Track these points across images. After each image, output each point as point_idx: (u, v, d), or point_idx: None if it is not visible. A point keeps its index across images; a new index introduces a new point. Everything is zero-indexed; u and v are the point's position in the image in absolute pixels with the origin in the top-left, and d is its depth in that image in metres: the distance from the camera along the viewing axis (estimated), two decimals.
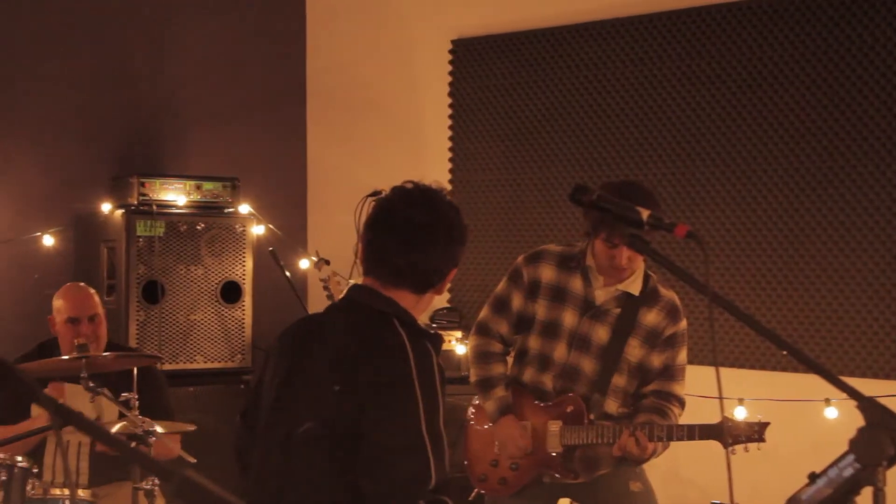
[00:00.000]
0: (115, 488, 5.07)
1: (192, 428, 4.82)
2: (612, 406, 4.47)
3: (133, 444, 4.33)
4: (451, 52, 7.17)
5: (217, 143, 7.41)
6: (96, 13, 6.96)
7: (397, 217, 3.20)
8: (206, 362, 6.57)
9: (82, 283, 5.47)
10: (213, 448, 6.17)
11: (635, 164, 6.38)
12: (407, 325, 3.14)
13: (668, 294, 4.52)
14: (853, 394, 2.46)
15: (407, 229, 3.17)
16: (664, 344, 4.48)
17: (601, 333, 4.47)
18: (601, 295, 4.48)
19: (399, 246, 3.17)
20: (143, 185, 6.45)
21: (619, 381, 4.47)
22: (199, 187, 6.64)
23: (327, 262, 6.64)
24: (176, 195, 6.55)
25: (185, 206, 6.58)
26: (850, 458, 2.45)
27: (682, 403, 4.51)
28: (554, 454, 4.49)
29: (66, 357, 4.76)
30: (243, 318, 6.68)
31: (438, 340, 3.20)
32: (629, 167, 6.40)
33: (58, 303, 5.31)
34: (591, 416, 4.44)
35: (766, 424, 4.38)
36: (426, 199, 3.23)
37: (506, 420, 4.54)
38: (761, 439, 4.37)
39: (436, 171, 7.11)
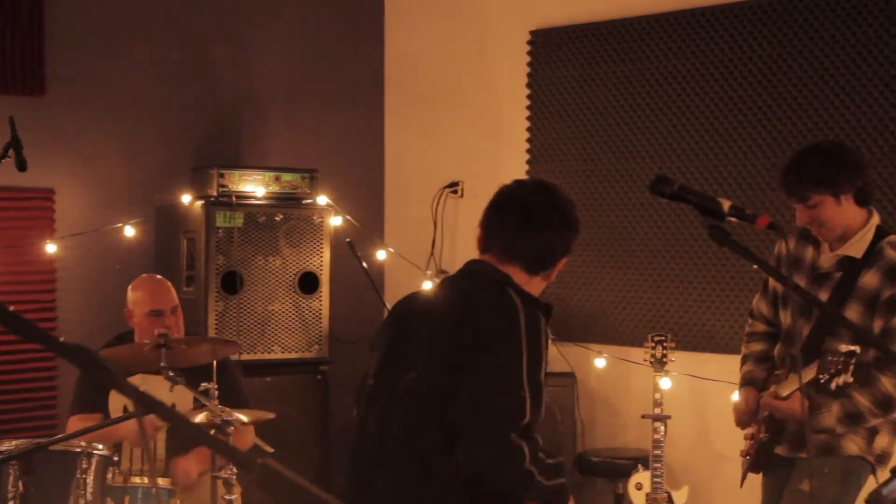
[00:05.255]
0: None
1: (270, 416, 4.85)
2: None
3: (212, 433, 4.37)
4: (529, 42, 7.15)
5: (296, 135, 7.45)
6: (177, 5, 7.03)
7: (518, 200, 3.50)
8: (283, 352, 6.62)
9: (158, 276, 5.50)
10: (290, 437, 6.25)
11: (714, 156, 6.33)
12: (521, 293, 3.37)
13: (893, 254, 4.24)
14: None
15: (525, 211, 3.46)
16: (883, 307, 4.20)
17: (822, 298, 4.31)
18: (825, 260, 4.38)
19: (517, 225, 3.46)
20: (222, 176, 6.50)
21: (833, 344, 4.19)
22: (277, 178, 6.69)
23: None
24: (255, 186, 6.60)
25: (264, 198, 6.62)
26: None
27: None
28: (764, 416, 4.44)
29: (146, 342, 4.79)
30: (321, 309, 6.72)
31: (550, 309, 3.47)
32: (709, 158, 6.35)
33: (136, 295, 5.31)
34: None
35: None
36: (545, 188, 3.56)
37: (740, 392, 4.58)
38: None
39: (513, 163, 7.11)
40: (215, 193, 6.46)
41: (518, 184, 3.60)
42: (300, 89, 7.53)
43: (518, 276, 3.44)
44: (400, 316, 3.58)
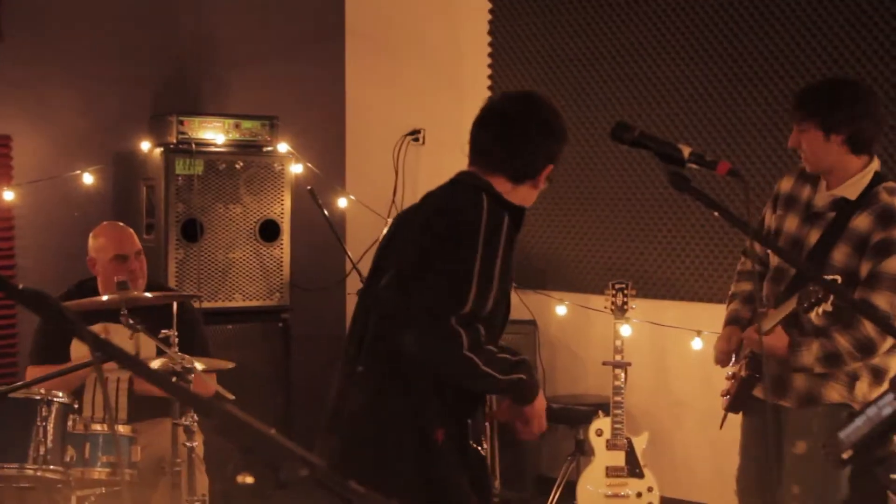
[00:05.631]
0: (154, 424, 5.10)
1: (231, 365, 4.85)
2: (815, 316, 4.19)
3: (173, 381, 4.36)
4: None
5: (256, 82, 7.39)
6: None
7: (498, 111, 3.58)
8: (244, 300, 6.60)
9: (119, 223, 5.47)
10: (251, 385, 6.25)
11: (675, 103, 6.34)
12: (493, 197, 3.43)
13: (887, 199, 4.15)
14: (894, 332, 2.44)
15: (504, 122, 3.53)
16: (872, 251, 4.10)
17: (813, 237, 4.25)
18: (820, 199, 4.27)
19: (495, 137, 3.52)
20: (181, 123, 6.45)
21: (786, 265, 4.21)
22: (237, 126, 6.64)
23: None
24: (215, 134, 6.55)
25: (224, 145, 6.58)
26: (890, 396, 2.44)
27: (883, 317, 4.02)
28: (748, 352, 4.35)
29: (105, 298, 4.77)
30: (281, 257, 6.70)
31: (520, 213, 3.51)
32: (669, 105, 6.35)
33: (98, 242, 5.27)
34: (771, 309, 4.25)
35: None
36: (525, 98, 3.63)
37: (724, 329, 4.50)
38: None
39: (475, 111, 7.08)
40: (174, 141, 6.41)
41: (503, 95, 3.70)
42: (260, 36, 7.47)
43: (501, 185, 3.48)
44: (392, 226, 3.67)
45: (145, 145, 6.56)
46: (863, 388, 4.19)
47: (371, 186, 7.52)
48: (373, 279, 3.56)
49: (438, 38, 7.46)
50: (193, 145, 6.42)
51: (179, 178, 6.38)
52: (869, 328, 4.06)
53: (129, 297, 4.64)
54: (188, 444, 4.61)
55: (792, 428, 4.27)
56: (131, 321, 4.55)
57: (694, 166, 2.95)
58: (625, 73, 6.54)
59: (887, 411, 2.46)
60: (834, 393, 4.20)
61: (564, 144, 3.60)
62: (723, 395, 4.50)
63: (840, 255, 4.15)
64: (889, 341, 4.11)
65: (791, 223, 4.34)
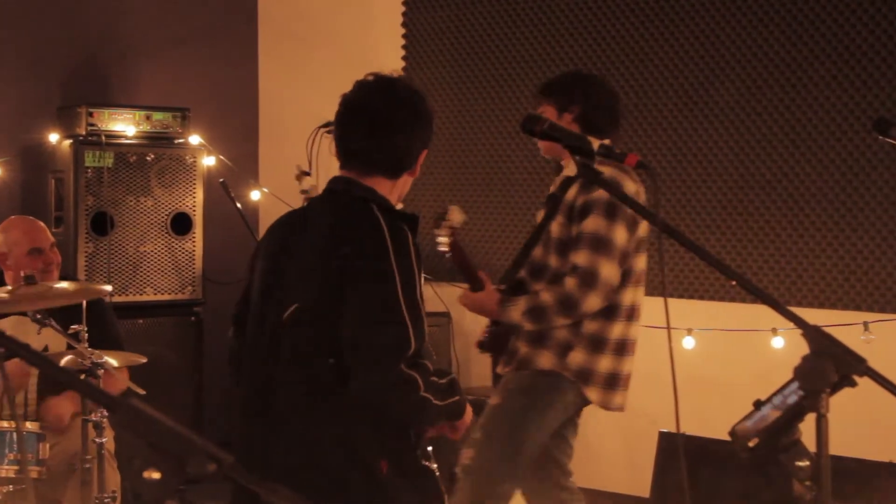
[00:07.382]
0: None
1: (142, 360, 4.80)
2: (537, 285, 4.45)
3: (81, 377, 4.30)
4: None
5: (167, 73, 7.32)
6: None
7: (360, 108, 3.36)
8: (156, 294, 6.54)
9: (29, 216, 5.40)
10: (164, 379, 6.20)
11: None
12: (384, 209, 3.27)
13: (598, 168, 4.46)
14: (799, 322, 2.47)
15: (370, 118, 3.33)
16: (576, 215, 4.34)
17: (540, 217, 4.54)
18: (555, 183, 4.55)
19: (365, 135, 3.33)
20: (91, 115, 6.37)
21: (536, 254, 4.49)
22: (148, 118, 6.58)
23: (308, 174, 6.60)
24: (125, 125, 6.48)
25: (135, 137, 6.51)
26: (795, 385, 2.48)
27: (580, 274, 4.25)
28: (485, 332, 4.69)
29: (9, 287, 4.70)
30: (194, 250, 6.65)
31: (415, 220, 3.35)
32: None
33: (12, 236, 5.20)
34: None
35: None
36: (386, 86, 3.37)
37: None
38: None
39: None
40: (84, 132, 6.33)
41: (359, 87, 3.41)
42: (171, 25, 7.39)
43: (381, 185, 3.32)
44: (273, 243, 3.43)
45: (53, 137, 6.48)
46: (578, 358, 4.38)
47: (284, 179, 7.46)
48: (269, 303, 3.31)
49: (352, 29, 7.44)
50: (103, 137, 6.35)
51: (89, 170, 6.31)
52: (570, 284, 4.27)
53: (38, 292, 4.56)
54: (98, 440, 4.55)
55: (498, 387, 4.55)
56: (39, 316, 4.49)
57: (603, 158, 2.98)
58: (539, 66, 6.57)
59: (792, 399, 2.50)
60: (544, 360, 4.41)
61: (433, 125, 3.42)
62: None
63: (556, 225, 4.39)
64: (595, 300, 4.27)
65: (540, 215, 4.59)
